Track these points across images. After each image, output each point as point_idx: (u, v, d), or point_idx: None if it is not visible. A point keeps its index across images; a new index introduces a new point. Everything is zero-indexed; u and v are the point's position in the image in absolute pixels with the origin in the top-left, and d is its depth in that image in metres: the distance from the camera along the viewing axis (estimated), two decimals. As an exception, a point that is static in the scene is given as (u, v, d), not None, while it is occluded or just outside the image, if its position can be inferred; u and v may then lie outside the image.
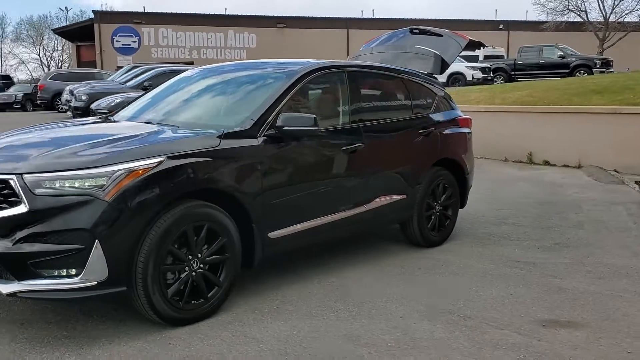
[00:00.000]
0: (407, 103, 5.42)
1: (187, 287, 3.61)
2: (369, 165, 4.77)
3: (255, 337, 3.53)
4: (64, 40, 58.35)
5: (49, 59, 66.32)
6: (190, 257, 3.60)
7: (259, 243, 3.96)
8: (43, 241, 3.22)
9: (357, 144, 4.61)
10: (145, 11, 42.81)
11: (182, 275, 3.59)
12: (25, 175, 3.28)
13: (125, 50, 41.23)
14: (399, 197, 5.06)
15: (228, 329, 3.63)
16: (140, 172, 3.38)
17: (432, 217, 5.45)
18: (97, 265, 3.23)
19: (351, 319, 3.83)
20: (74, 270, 3.24)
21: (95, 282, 3.26)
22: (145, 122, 4.34)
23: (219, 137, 3.81)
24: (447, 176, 5.56)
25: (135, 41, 41.37)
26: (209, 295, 3.73)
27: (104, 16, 41.22)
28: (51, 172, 3.29)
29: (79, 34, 42.82)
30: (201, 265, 3.66)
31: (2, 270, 3.26)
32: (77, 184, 3.26)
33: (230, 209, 3.79)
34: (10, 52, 66.12)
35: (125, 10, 49.59)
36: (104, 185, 3.27)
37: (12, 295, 3.25)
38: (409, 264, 4.97)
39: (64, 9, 77.30)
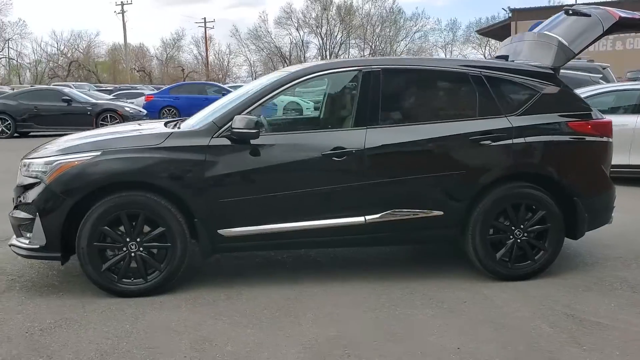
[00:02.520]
0: (462, 104, 4.57)
1: (124, 266, 4.18)
2: (371, 174, 4.30)
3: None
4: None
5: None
6: (128, 239, 4.13)
7: (204, 237, 4.19)
8: (22, 209, 4.26)
9: (351, 149, 4.24)
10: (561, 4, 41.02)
11: (120, 254, 4.15)
12: (24, 160, 4.37)
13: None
14: (428, 212, 4.37)
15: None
16: (76, 163, 4.08)
17: (507, 245, 4.47)
18: (38, 234, 4.10)
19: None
20: (29, 234, 4.18)
21: (38, 246, 4.13)
22: (164, 125, 4.89)
23: (167, 136, 4.19)
24: (534, 196, 4.45)
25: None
26: (148, 277, 4.18)
27: (520, 14, 41.27)
28: (31, 159, 4.30)
29: (500, 33, 43.90)
30: (140, 249, 4.14)
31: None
32: (37, 169, 4.18)
33: (174, 202, 4.14)
34: (459, 53, 72.04)
35: (542, 5, 48.32)
36: (47, 171, 4.10)
37: (10, 245, 4.38)
38: (448, 295, 4.31)
39: (506, 9, 79.59)
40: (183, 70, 62.99)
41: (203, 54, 68.77)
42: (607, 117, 4.85)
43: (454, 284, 4.46)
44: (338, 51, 70.74)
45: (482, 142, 4.38)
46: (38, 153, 4.42)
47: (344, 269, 4.87)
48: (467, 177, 4.37)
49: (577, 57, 4.97)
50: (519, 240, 4.49)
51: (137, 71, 67.12)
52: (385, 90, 4.41)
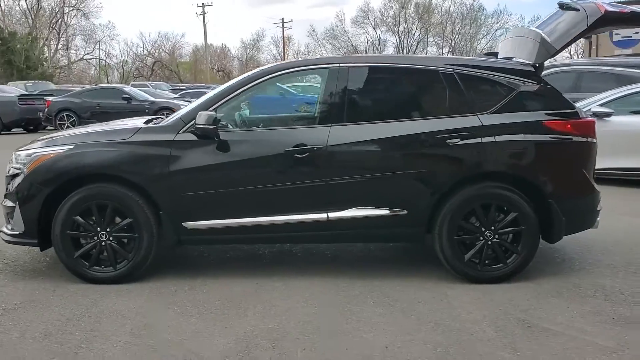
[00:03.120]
0: (431, 103, 4.51)
1: (95, 254, 4.42)
2: (333, 171, 4.32)
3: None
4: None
5: None
6: (99, 229, 4.36)
7: (169, 229, 4.36)
8: (8, 198, 4.59)
9: (312, 146, 4.29)
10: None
11: (91, 242, 4.39)
12: (15, 152, 4.70)
13: (625, 43, 38.39)
14: (391, 211, 4.35)
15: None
16: (51, 155, 4.36)
17: (476, 246, 4.39)
18: (18, 221, 4.40)
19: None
20: (12, 221, 4.50)
21: (17, 233, 4.43)
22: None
23: (135, 131, 4.39)
24: (504, 196, 4.34)
25: (638, 32, 38.04)
26: (117, 265, 4.40)
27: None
28: (19, 151, 4.62)
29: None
30: (110, 238, 4.37)
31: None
32: (21, 160, 4.49)
33: (141, 194, 4.33)
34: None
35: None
36: (26, 162, 4.40)
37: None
38: (408, 295, 4.35)
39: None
40: (260, 69, 63.94)
41: (282, 54, 69.94)
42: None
43: (420, 283, 4.41)
44: (415, 50, 69.98)
45: (448, 141, 4.30)
46: (28, 146, 4.73)
47: (315, 264, 4.91)
48: (432, 176, 4.32)
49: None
50: (489, 242, 4.37)
51: (217, 71, 69.09)
52: (352, 88, 4.42)
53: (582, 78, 11.57)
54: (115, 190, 4.31)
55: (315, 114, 4.44)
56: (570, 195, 4.42)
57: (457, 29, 69.16)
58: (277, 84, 5.64)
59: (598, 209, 4.57)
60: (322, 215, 4.32)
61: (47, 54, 55.54)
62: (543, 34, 4.54)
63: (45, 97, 18.33)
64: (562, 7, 4.78)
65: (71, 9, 60.37)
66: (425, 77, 4.49)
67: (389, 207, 4.33)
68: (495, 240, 4.38)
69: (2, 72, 45.87)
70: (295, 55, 71.46)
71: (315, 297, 4.16)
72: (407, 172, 4.31)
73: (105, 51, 65.47)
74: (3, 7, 57.18)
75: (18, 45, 45.23)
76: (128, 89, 19.12)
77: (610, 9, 4.40)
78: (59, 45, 61.13)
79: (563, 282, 4.43)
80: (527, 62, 4.56)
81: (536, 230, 4.35)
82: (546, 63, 4.72)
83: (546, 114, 4.41)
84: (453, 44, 69.44)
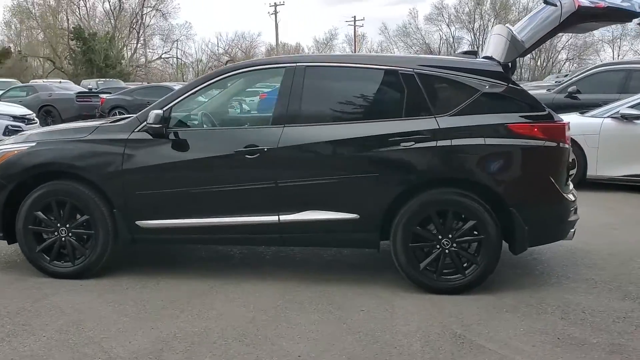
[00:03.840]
0: (388, 104, 4.35)
1: (55, 249, 4.52)
2: (284, 173, 4.23)
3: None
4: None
5: None
6: (59, 225, 4.48)
7: (123, 228, 4.42)
8: None
9: (263, 147, 4.23)
10: None
11: (52, 237, 4.51)
12: None
13: None
14: (343, 215, 4.23)
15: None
16: (15, 152, 4.51)
17: (432, 254, 4.21)
18: None
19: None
20: None
21: None
22: None
23: (94, 129, 4.47)
24: (461, 203, 4.13)
25: None
26: (75, 260, 4.50)
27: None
28: None
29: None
30: (69, 234, 4.48)
31: None
32: None
33: (97, 192, 4.42)
34: (629, 49, 65.66)
35: None
36: None
37: None
38: (354, 303, 4.28)
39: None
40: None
41: (354, 52, 69.80)
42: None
43: (376, 291, 4.26)
44: (491, 48, 68.03)
45: (402, 144, 4.12)
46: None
47: (280, 267, 4.85)
48: (384, 180, 4.16)
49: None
50: (447, 251, 4.17)
51: (287, 69, 69.55)
52: (307, 88, 4.31)
53: (631, 78, 10.88)
54: (73, 187, 4.40)
55: (271, 114, 4.36)
56: (534, 204, 4.14)
57: (537, 25, 66.54)
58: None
59: (570, 219, 4.26)
60: (274, 218, 4.25)
61: (125, 53, 57.83)
62: (513, 31, 4.29)
63: (100, 95, 19.08)
64: (545, 2, 4.50)
65: (150, 9, 62.66)
66: (383, 77, 4.32)
67: (341, 211, 4.21)
68: (453, 249, 4.16)
69: (84, 71, 48.26)
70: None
71: (259, 301, 4.10)
72: (359, 175, 4.17)
73: (181, 50, 67.61)
74: (88, 9, 60.16)
75: (97, 45, 47.34)
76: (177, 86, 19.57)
77: (585, 4, 4.09)
78: (138, 45, 63.58)
79: (527, 297, 4.16)
80: (496, 61, 4.31)
81: (497, 240, 4.11)
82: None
83: (512, 116, 4.14)
84: (531, 42, 66.88)
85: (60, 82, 27.17)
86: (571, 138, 7.68)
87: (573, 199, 4.33)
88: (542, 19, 4.25)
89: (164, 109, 4.34)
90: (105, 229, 4.40)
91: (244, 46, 70.21)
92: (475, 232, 4.15)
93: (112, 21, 61.05)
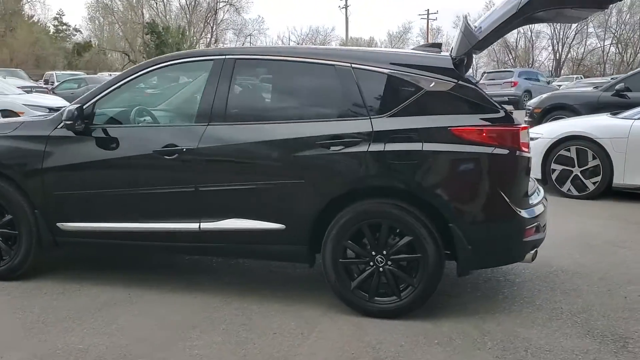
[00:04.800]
0: (321, 102, 3.87)
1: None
2: (204, 177, 3.86)
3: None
4: None
5: None
6: None
7: (44, 228, 4.19)
8: None
9: (182, 147, 3.89)
10: None
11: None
12: None
13: None
14: (268, 224, 3.82)
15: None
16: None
17: (364, 272, 3.75)
18: None
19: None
20: None
21: None
22: None
23: (18, 125, 4.26)
24: (394, 216, 3.64)
25: None
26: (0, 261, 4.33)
27: None
28: None
29: None
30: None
31: None
32: None
33: (19, 191, 4.21)
34: None
35: None
36: None
37: None
38: (274, 321, 3.91)
39: None
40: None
41: (428, 46, 68.10)
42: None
43: (306, 310, 3.84)
44: (572, 42, 65.11)
45: (331, 148, 3.66)
46: None
47: (220, 277, 4.50)
48: (311, 187, 3.71)
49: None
50: (381, 269, 3.69)
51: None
52: (236, 84, 3.93)
53: None
54: (-7, 183, 4.20)
55: (196, 111, 3.99)
56: (479, 221, 3.58)
57: (624, 18, 62.97)
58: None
59: (528, 238, 3.66)
60: (194, 226, 3.89)
61: (197, 47, 59.02)
62: (468, 22, 3.72)
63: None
64: None
65: (225, 4, 63.68)
66: (318, 72, 3.86)
67: (266, 220, 3.80)
68: (387, 267, 3.67)
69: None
70: (445, 47, 68.99)
71: (169, 316, 3.76)
72: (285, 181, 3.74)
73: (254, 45, 68.28)
74: (165, 3, 61.86)
75: (170, 39, 48.51)
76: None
77: None
78: (212, 39, 64.73)
79: (471, 326, 3.61)
80: (445, 55, 3.77)
81: (436, 259, 3.58)
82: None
83: (458, 118, 3.59)
84: (618, 35, 63.48)
85: (109, 74, 27.84)
86: (597, 142, 7.02)
87: (535, 214, 3.72)
88: (500, 7, 3.66)
89: (86, 104, 4.06)
90: (28, 230, 4.18)
91: (318, 40, 70.15)
92: (411, 250, 3.63)
93: (187, 16, 62.51)
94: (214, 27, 64.02)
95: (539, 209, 3.80)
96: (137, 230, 4.00)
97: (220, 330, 3.55)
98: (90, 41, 60.36)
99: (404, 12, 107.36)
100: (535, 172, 7.50)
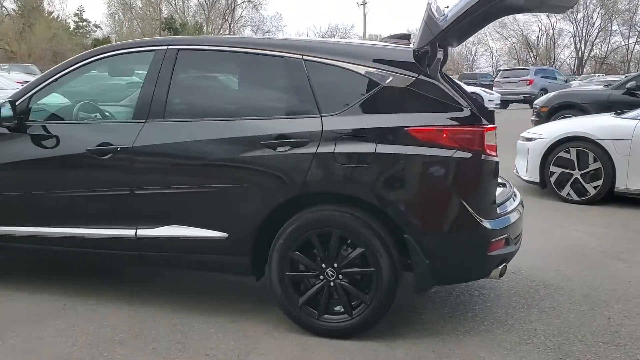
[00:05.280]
0: (269, 98, 3.52)
1: None
2: (140, 179, 3.53)
3: None
4: None
5: None
6: None
7: None
8: None
9: (116, 146, 3.56)
10: None
11: None
12: None
13: None
14: (209, 233, 3.48)
15: None
16: None
17: (314, 287, 3.39)
18: None
19: None
20: None
21: None
22: None
23: None
24: (345, 226, 3.26)
25: None
26: None
27: None
28: None
29: None
30: None
31: None
32: None
33: None
34: None
35: None
36: None
37: None
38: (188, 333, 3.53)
39: None
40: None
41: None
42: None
43: (246, 328, 3.50)
44: (595, 40, 63.84)
45: (278, 149, 3.30)
46: None
47: (166, 287, 4.17)
48: (255, 192, 3.35)
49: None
50: (332, 284, 3.32)
51: (375, 60, 68.16)
52: (178, 76, 3.59)
53: None
54: None
55: (135, 107, 3.65)
56: (438, 232, 3.20)
57: (650, 16, 61.64)
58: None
59: (494, 252, 3.26)
60: (130, 232, 3.56)
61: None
62: (431, 9, 3.32)
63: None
64: None
65: (243, 1, 63.56)
66: (267, 65, 3.50)
67: (207, 227, 3.45)
68: (339, 281, 3.30)
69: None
70: (464, 46, 68.31)
71: (98, 330, 3.44)
72: (226, 185, 3.39)
73: (270, 41, 67.88)
74: (183, 0, 61.91)
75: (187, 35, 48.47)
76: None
77: None
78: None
79: (429, 350, 3.23)
80: (406, 47, 3.39)
81: (390, 273, 3.21)
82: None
83: (416, 117, 3.21)
84: (643, 32, 62.13)
85: None
86: (598, 143, 6.56)
87: (505, 224, 3.33)
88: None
89: (20, 99, 3.75)
90: (-37, 232, 3.88)
91: (337, 37, 69.65)
92: (364, 263, 3.26)
93: (205, 12, 62.51)
94: (232, 24, 63.88)
95: (511, 219, 3.40)
96: (73, 236, 3.69)
97: (148, 350, 3.21)
98: (108, 37, 60.53)
99: (422, 7, 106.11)
100: (534, 174, 7.07)
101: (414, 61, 3.29)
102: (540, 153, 6.98)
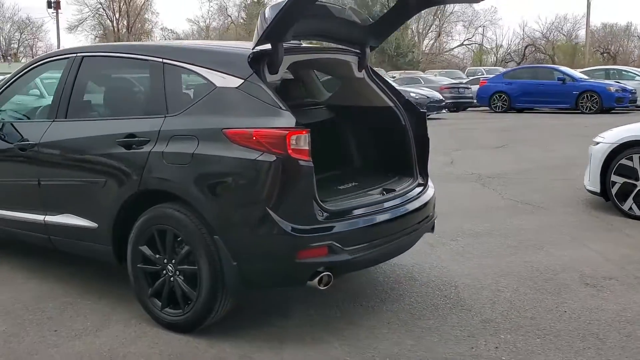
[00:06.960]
0: (132, 99, 3.80)
1: None
2: (43, 171, 4.03)
3: None
4: None
5: None
6: None
7: None
8: None
9: (31, 142, 4.12)
10: None
11: None
12: None
13: None
14: (86, 222, 3.88)
15: None
16: None
17: (158, 280, 3.62)
18: None
19: None
20: None
21: None
22: None
23: None
24: (178, 224, 3.43)
25: None
26: None
27: None
28: None
29: None
30: None
31: None
32: None
33: None
34: None
35: None
36: None
37: None
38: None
39: None
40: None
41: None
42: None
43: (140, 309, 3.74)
44: None
45: (130, 147, 3.56)
46: None
47: (72, 267, 4.52)
48: (110, 187, 3.65)
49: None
50: (171, 279, 3.50)
51: (601, 53, 62.00)
52: (78, 81, 4.03)
53: None
54: None
55: (49, 107, 4.19)
56: (243, 235, 3.17)
57: None
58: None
59: (304, 260, 3.13)
60: (41, 218, 4.10)
61: (418, 42, 58.75)
62: (265, 11, 3.28)
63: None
64: None
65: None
66: (137, 69, 3.81)
67: (85, 217, 3.84)
68: (176, 277, 3.46)
69: (375, 60, 50.60)
70: None
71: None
72: (92, 179, 3.76)
73: (484, 36, 65.68)
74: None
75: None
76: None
77: None
78: (441, 32, 63.69)
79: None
80: (241, 49, 3.42)
81: (211, 273, 3.27)
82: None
83: (235, 121, 3.23)
84: None
85: None
86: None
87: (328, 231, 3.18)
88: None
89: None
90: None
91: (566, 29, 64.45)
92: (192, 260, 3.36)
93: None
94: (442, 20, 63.03)
95: (347, 225, 3.24)
96: (9, 219, 4.31)
97: (33, 334, 3.49)
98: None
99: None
100: (595, 184, 6.19)
101: (247, 64, 3.28)
102: (601, 159, 6.08)
